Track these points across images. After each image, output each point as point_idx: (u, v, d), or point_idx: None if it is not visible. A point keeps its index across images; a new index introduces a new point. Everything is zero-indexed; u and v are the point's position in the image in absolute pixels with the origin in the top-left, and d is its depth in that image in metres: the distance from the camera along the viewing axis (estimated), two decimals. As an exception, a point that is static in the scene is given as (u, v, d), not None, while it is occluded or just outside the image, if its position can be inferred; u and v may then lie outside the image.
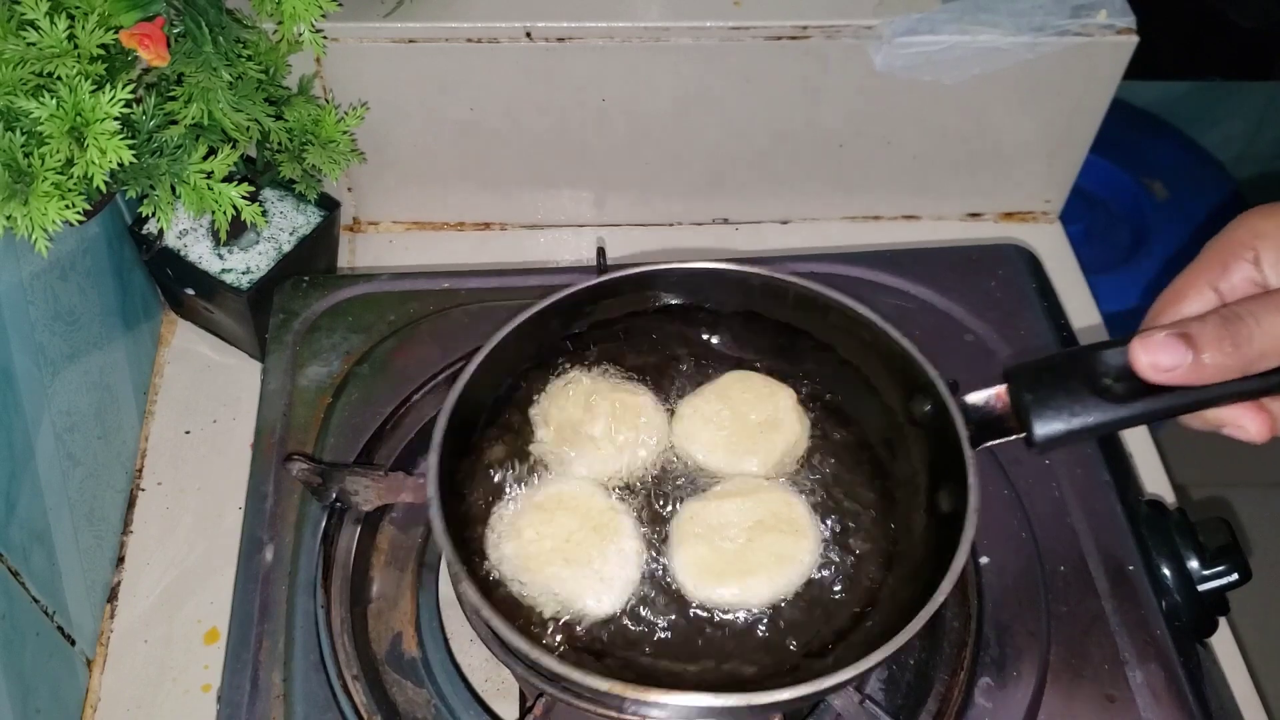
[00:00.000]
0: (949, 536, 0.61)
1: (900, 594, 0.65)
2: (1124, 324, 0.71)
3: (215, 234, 0.94)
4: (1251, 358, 0.53)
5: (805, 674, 0.58)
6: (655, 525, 0.69)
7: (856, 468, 0.72)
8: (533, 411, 0.73)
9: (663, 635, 0.65)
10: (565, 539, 0.66)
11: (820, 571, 0.67)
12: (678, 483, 0.71)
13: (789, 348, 0.76)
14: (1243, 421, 0.57)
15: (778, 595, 0.65)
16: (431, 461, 0.64)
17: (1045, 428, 0.58)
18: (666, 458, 0.72)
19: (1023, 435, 0.59)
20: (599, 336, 0.76)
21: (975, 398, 0.63)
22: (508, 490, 0.70)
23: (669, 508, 0.70)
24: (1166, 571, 0.76)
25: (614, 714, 0.66)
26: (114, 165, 0.67)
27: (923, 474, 0.68)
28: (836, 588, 0.66)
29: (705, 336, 0.77)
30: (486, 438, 0.72)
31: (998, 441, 0.62)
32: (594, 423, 0.71)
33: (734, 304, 0.76)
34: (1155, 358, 0.55)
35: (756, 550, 0.66)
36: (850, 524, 0.69)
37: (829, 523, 0.69)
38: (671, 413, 0.74)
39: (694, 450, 0.72)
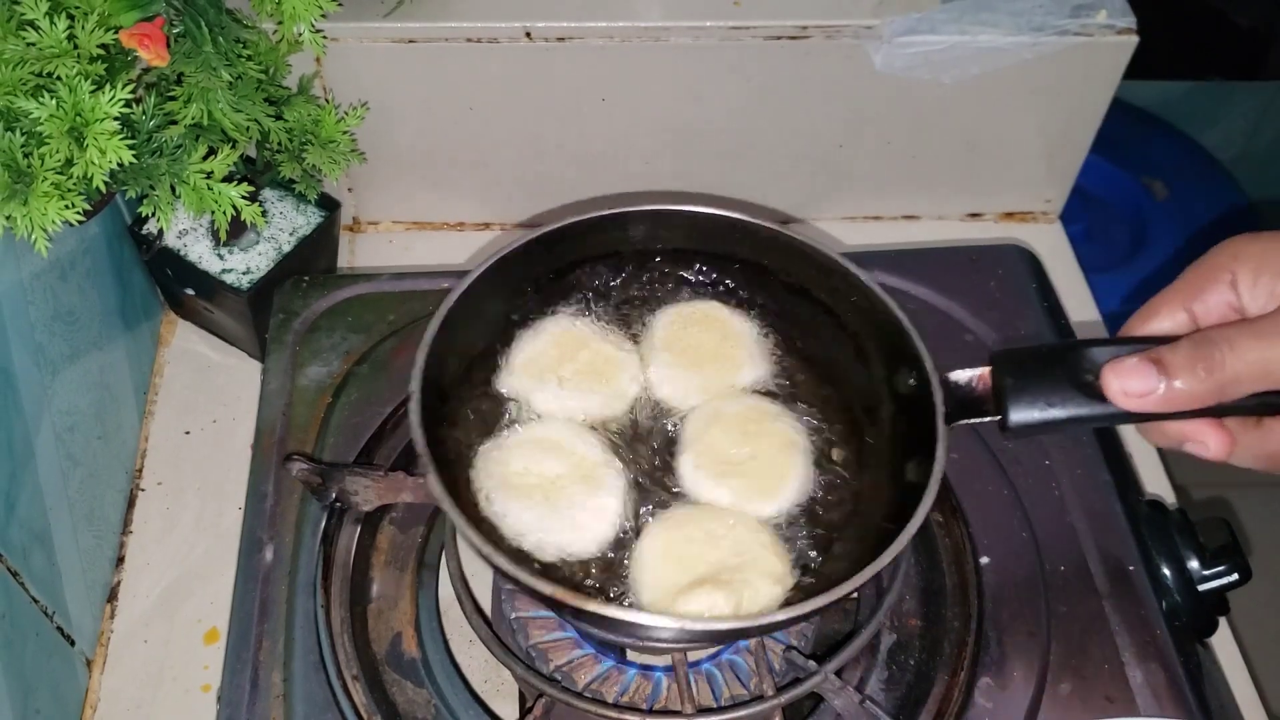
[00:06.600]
0: (908, 508, 0.60)
1: (852, 553, 0.65)
2: (1124, 324, 0.71)
3: (215, 234, 0.94)
4: (1224, 384, 0.53)
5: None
6: (647, 473, 0.69)
7: (834, 428, 0.72)
8: (515, 347, 0.72)
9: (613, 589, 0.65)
10: (552, 480, 0.66)
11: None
12: (665, 426, 0.71)
13: (789, 308, 0.75)
14: (1205, 438, 0.57)
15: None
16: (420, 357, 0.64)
17: (1020, 414, 0.59)
18: (642, 406, 0.72)
19: (998, 418, 0.60)
20: (592, 276, 0.76)
21: (959, 376, 0.63)
22: (495, 426, 0.69)
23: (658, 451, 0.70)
24: (1166, 571, 0.76)
25: (611, 714, 0.66)
26: (114, 165, 0.67)
27: (896, 443, 0.68)
28: (802, 533, 0.67)
29: (706, 283, 0.77)
30: (474, 374, 0.71)
31: (973, 421, 0.62)
32: (566, 364, 0.71)
33: (742, 254, 0.75)
34: (1126, 383, 0.55)
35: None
36: (820, 479, 0.69)
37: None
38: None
39: (679, 399, 0.71)
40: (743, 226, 0.73)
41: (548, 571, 0.64)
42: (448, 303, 0.67)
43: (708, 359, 0.72)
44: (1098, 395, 0.57)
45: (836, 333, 0.73)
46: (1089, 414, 0.58)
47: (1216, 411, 0.55)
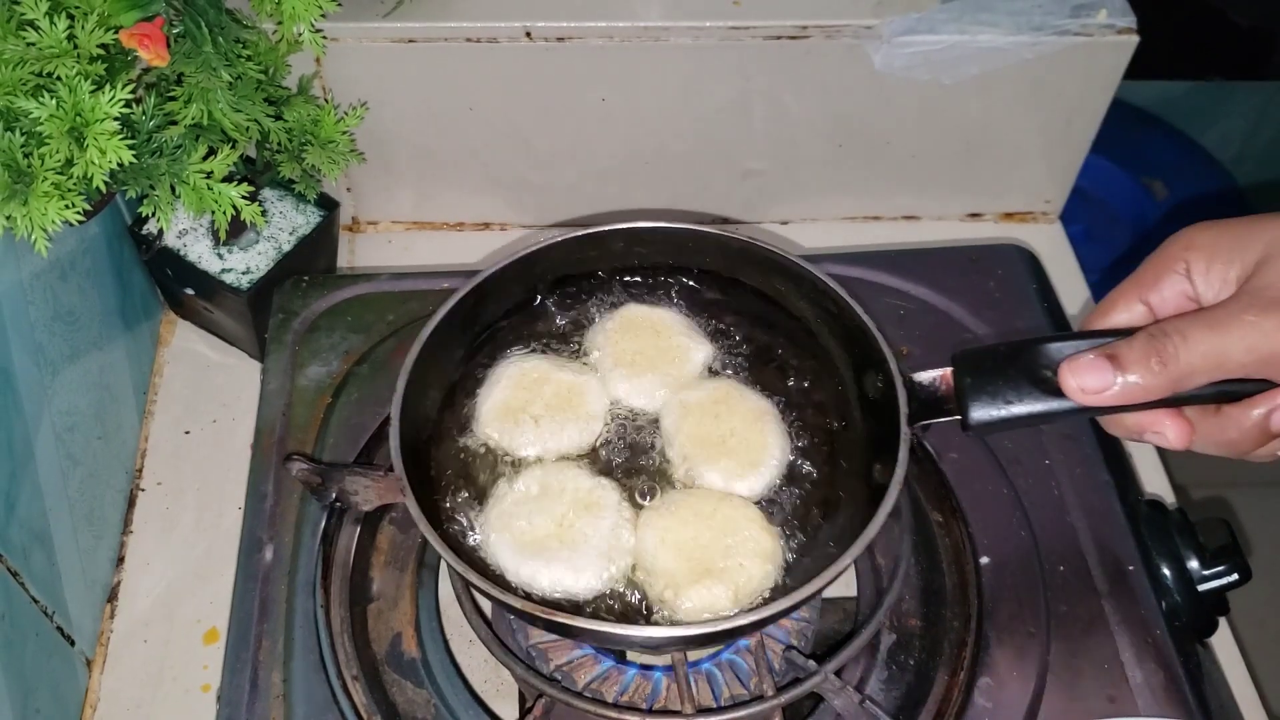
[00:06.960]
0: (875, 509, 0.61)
1: (828, 554, 0.65)
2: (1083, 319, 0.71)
3: (215, 234, 0.94)
4: (1178, 376, 0.53)
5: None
6: (631, 480, 0.70)
7: (810, 436, 0.72)
8: (480, 397, 0.73)
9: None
10: (558, 523, 0.66)
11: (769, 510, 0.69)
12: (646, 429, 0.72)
13: (765, 319, 0.76)
14: (1163, 428, 0.57)
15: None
16: (394, 443, 0.65)
17: (979, 412, 0.59)
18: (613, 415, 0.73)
19: (959, 418, 0.60)
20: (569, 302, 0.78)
21: (923, 377, 0.64)
22: (482, 484, 0.70)
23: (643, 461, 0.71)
24: (1166, 571, 0.76)
25: (611, 714, 0.66)
26: (114, 165, 0.67)
27: (867, 445, 0.69)
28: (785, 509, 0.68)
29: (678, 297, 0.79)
30: (443, 432, 0.72)
31: (934, 421, 0.63)
32: (536, 403, 0.72)
33: (715, 267, 0.77)
34: (1082, 380, 0.55)
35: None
36: (797, 486, 0.70)
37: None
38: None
39: (651, 402, 0.73)
40: (709, 238, 0.76)
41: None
42: (404, 373, 0.68)
43: (657, 357, 0.74)
44: (1056, 391, 0.57)
45: (807, 340, 0.74)
46: (1047, 410, 0.58)
47: (1174, 402, 0.56)
